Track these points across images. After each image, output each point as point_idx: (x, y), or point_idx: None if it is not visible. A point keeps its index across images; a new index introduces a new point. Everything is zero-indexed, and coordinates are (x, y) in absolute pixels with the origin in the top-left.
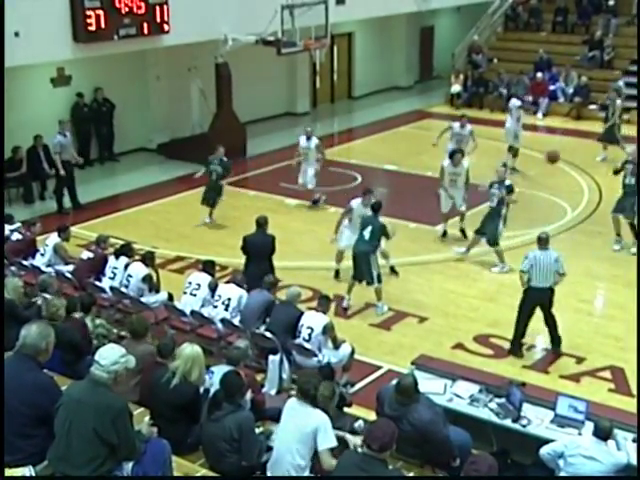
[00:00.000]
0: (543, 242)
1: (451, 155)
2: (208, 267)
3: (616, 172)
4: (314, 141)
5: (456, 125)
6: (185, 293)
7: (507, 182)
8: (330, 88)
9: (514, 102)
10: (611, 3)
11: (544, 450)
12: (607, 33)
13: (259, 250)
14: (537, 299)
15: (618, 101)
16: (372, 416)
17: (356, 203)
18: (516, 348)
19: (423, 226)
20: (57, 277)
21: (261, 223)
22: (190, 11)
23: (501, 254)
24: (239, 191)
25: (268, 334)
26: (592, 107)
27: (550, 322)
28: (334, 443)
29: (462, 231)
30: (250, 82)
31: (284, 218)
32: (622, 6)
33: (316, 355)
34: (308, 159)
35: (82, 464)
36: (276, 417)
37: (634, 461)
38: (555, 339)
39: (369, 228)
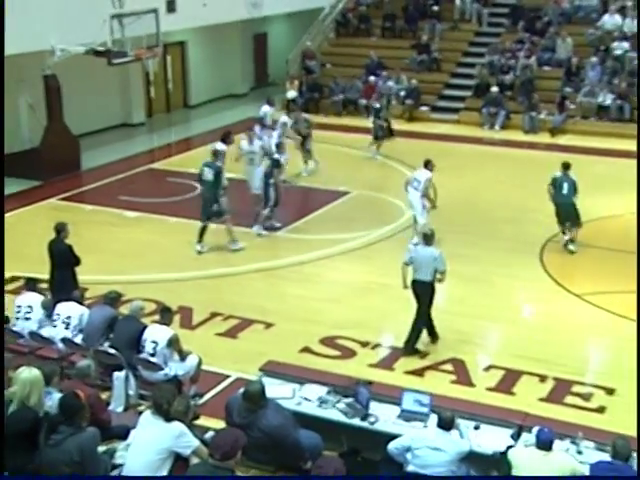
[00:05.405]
0: (426, 238)
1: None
2: (31, 286)
3: None
4: (257, 143)
5: (244, 142)
6: (18, 319)
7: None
8: (165, 97)
9: (284, 118)
10: (435, 9)
11: (392, 445)
12: (433, 37)
13: (57, 257)
14: (417, 291)
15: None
16: (222, 426)
17: None
18: (434, 336)
19: (263, 232)
20: None
21: (58, 230)
22: (13, 21)
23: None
24: (75, 206)
25: (112, 350)
26: (423, 108)
27: (416, 322)
28: (196, 442)
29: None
30: (82, 94)
31: (124, 231)
32: (445, 12)
33: (162, 369)
34: (254, 162)
35: None
36: (123, 435)
37: (477, 448)
38: (410, 340)
39: None
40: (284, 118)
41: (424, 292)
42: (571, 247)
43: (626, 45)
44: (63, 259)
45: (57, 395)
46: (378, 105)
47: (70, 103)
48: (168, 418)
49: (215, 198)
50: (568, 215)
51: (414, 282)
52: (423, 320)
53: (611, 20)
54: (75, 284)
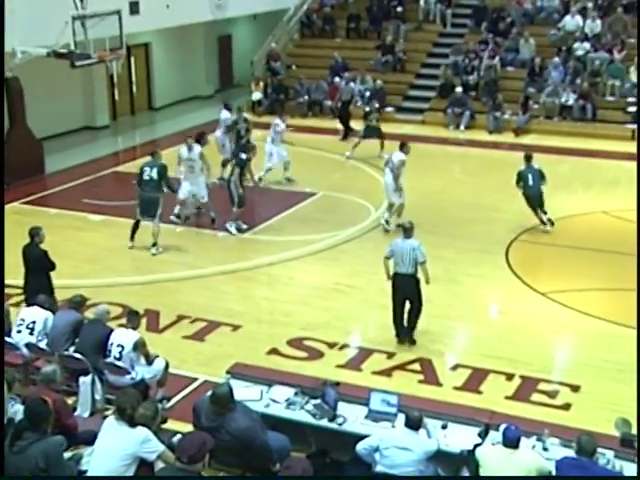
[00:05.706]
0: (406, 231)
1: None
2: None
3: None
4: (197, 149)
5: (183, 150)
6: None
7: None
8: (130, 100)
9: (276, 120)
10: (399, 10)
11: (360, 446)
12: (397, 38)
13: (33, 263)
14: (401, 286)
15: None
16: (190, 429)
17: None
18: (401, 337)
19: (230, 233)
20: None
21: (32, 235)
22: None
23: None
24: (39, 209)
25: (77, 355)
26: (389, 109)
27: (411, 317)
28: (162, 447)
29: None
30: (45, 96)
31: (89, 235)
32: (409, 12)
33: (129, 373)
34: (194, 170)
35: None
36: (90, 440)
37: (445, 447)
38: (406, 333)
39: None
40: (277, 120)
41: (409, 287)
42: (548, 227)
43: (587, 46)
44: (38, 264)
45: (18, 402)
46: (368, 108)
47: (33, 106)
48: (132, 423)
49: (159, 199)
50: (539, 203)
51: (396, 275)
52: (416, 314)
53: (572, 21)
54: (51, 289)
